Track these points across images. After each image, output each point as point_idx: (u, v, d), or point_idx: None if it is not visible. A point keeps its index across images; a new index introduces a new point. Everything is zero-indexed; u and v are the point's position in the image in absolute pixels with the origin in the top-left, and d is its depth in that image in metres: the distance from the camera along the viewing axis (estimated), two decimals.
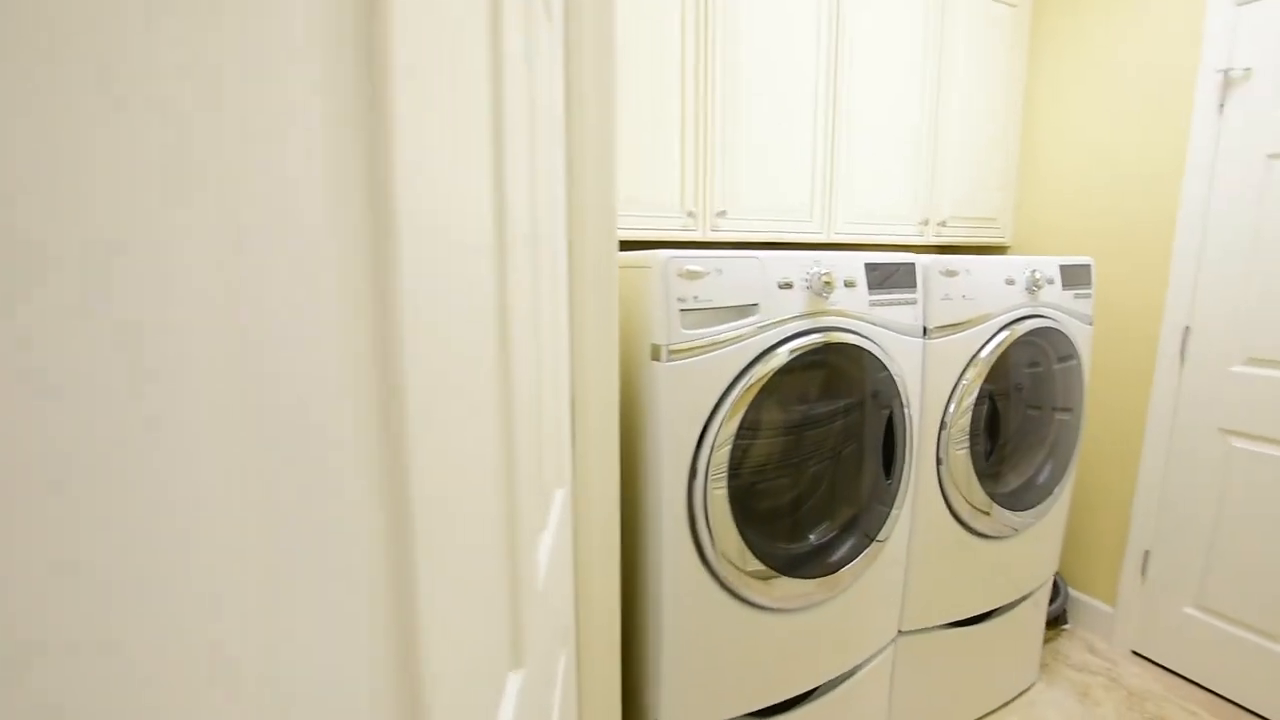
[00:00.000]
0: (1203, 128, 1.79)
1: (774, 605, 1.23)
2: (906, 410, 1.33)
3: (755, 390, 1.11)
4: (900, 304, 1.33)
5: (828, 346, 1.19)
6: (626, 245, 1.26)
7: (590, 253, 0.93)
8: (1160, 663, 2.01)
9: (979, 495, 1.51)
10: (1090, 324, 1.69)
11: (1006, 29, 2.13)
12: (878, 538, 1.35)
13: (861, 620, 1.41)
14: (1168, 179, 1.89)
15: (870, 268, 1.27)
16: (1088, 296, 1.67)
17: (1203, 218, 1.81)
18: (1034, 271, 1.52)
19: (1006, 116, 2.21)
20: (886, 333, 1.30)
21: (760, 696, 1.27)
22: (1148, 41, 1.92)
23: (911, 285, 1.35)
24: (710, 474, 1.09)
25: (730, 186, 1.66)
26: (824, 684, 1.38)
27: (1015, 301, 1.51)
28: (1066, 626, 2.22)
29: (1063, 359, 1.66)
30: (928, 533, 1.50)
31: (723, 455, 1.10)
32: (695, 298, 1.06)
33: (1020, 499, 1.61)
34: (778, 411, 1.23)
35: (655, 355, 1.06)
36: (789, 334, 1.16)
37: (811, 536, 1.29)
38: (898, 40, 1.88)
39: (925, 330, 1.39)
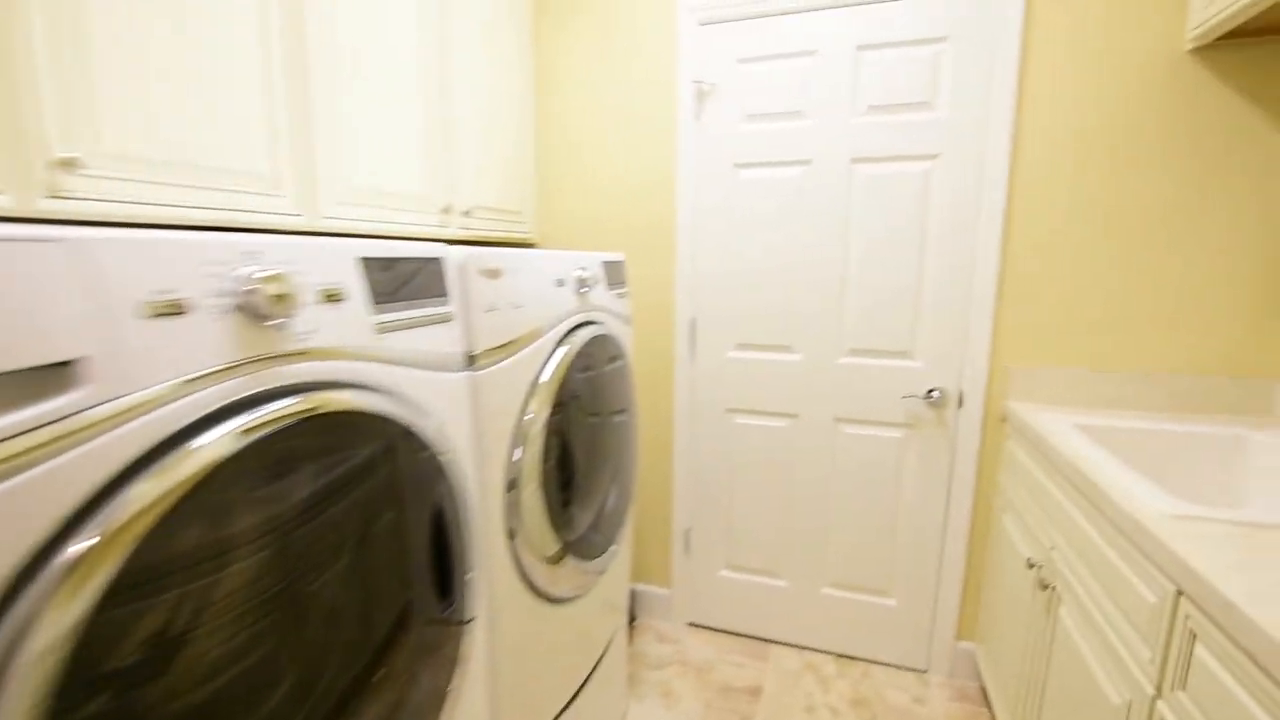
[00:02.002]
0: (686, 135, 1.91)
1: None
2: (458, 489, 0.87)
3: (109, 563, 0.45)
4: (429, 323, 0.84)
5: (300, 424, 0.61)
6: None
7: None
8: (710, 625, 2.19)
9: (552, 546, 1.18)
10: (630, 324, 1.58)
11: (512, 11, 1.88)
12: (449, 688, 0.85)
13: None
14: (666, 183, 1.97)
15: (373, 266, 0.74)
16: (626, 295, 1.55)
17: (694, 219, 1.95)
18: (582, 270, 1.26)
19: (521, 102, 1.99)
20: (413, 374, 0.80)
21: None
22: (638, 51, 1.94)
23: (442, 293, 0.88)
24: None
25: (86, 99, 0.85)
26: None
27: (568, 307, 1.22)
28: (636, 622, 2.23)
29: (612, 359, 1.50)
30: (512, 632, 1.09)
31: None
32: None
33: (594, 541, 1.37)
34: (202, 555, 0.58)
35: None
36: (193, 419, 0.52)
37: None
38: None
39: (471, 358, 0.95)
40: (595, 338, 1.31)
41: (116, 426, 0.46)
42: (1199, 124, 1.51)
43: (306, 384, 0.63)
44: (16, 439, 0.42)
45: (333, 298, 0.67)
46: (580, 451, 1.37)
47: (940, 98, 1.67)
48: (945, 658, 1.90)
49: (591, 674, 1.44)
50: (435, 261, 0.87)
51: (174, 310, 0.51)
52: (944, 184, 1.69)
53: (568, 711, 1.32)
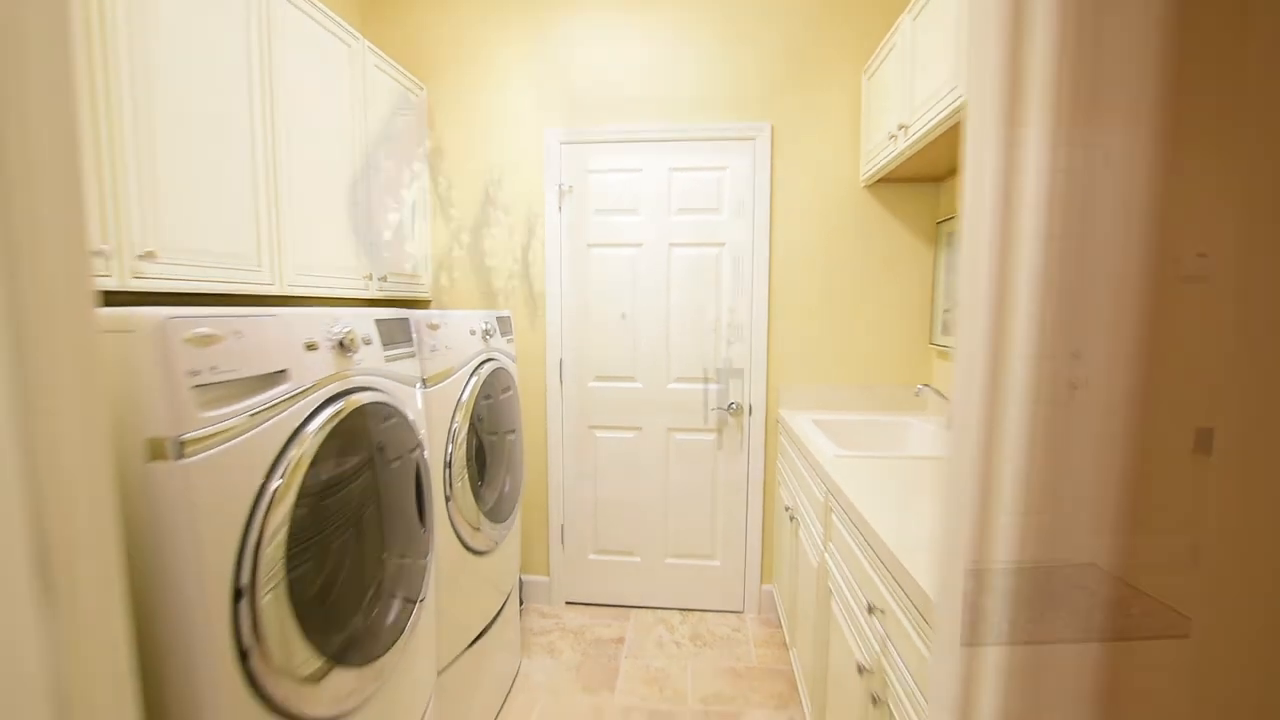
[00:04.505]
0: (552, 222, 2.56)
1: (335, 711, 1.07)
2: (425, 456, 1.39)
3: (304, 467, 0.95)
4: (405, 357, 1.38)
5: (362, 408, 1.13)
6: None
7: (54, 310, 0.61)
8: (583, 601, 2.73)
9: (474, 513, 1.70)
10: (516, 362, 2.16)
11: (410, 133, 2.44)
12: (420, 598, 1.35)
13: (413, 689, 1.38)
14: (538, 259, 2.60)
15: (380, 324, 1.27)
16: (513, 341, 2.13)
17: (559, 285, 2.59)
18: (486, 324, 1.83)
19: (420, 194, 2.52)
20: (401, 386, 1.33)
21: None
22: (515, 159, 2.58)
23: (409, 339, 1.42)
24: (261, 583, 0.87)
25: (155, 220, 1.29)
26: None
27: (477, 349, 1.78)
28: (522, 606, 2.72)
29: (504, 390, 2.06)
30: (447, 566, 1.59)
31: (275, 553, 0.89)
32: (214, 369, 0.82)
33: (498, 512, 1.90)
34: (319, 480, 1.08)
35: (158, 453, 0.77)
36: (324, 399, 1.04)
37: (364, 610, 1.18)
38: (323, 86, 1.89)
39: (424, 381, 1.48)
40: (495, 370, 1.87)
41: (302, 399, 0.98)
42: (874, 230, 2.45)
43: (361, 387, 1.15)
44: (273, 401, 0.92)
45: (367, 341, 1.20)
46: (486, 456, 1.90)
47: (724, 206, 2.49)
48: (754, 599, 2.62)
49: (497, 615, 1.94)
50: (405, 320, 1.42)
51: (314, 346, 1.03)
52: (729, 262, 2.50)
53: (482, 639, 1.81)
